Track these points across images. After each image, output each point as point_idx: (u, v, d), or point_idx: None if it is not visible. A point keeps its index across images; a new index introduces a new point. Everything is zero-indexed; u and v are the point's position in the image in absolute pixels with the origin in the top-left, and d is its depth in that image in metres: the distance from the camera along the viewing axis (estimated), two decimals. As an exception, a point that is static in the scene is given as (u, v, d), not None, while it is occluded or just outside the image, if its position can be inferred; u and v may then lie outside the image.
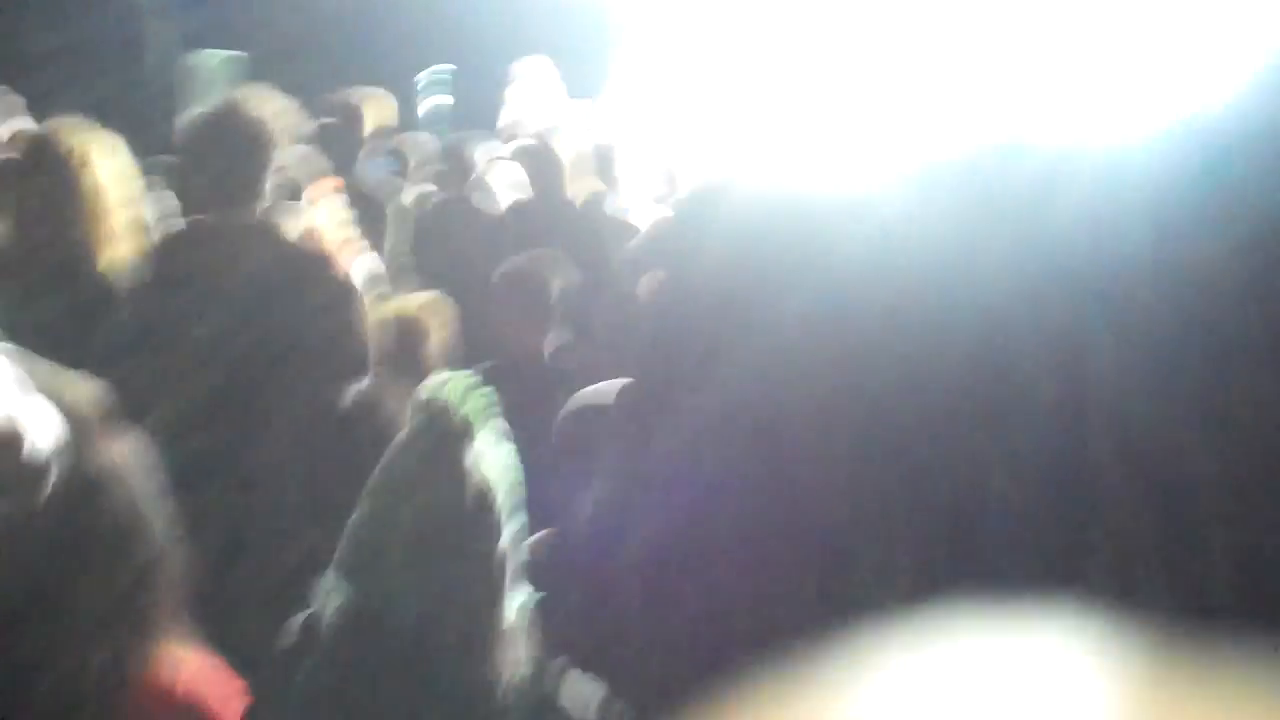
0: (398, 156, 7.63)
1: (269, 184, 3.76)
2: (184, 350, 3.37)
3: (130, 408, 3.04)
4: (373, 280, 5.12)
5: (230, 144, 3.65)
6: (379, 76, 12.81)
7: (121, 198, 3.70)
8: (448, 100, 16.25)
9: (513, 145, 7.01)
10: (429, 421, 3.07)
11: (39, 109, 5.23)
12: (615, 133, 9.13)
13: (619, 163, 7.34)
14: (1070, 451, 0.84)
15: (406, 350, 4.31)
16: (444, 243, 6.44)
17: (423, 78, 16.41)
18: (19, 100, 5.76)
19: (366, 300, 3.96)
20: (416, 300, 4.58)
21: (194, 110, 3.96)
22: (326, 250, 3.84)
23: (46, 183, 3.58)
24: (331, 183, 4.99)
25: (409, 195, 6.97)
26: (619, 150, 7.70)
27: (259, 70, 15.25)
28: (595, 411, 3.48)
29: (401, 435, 3.13)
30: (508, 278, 4.84)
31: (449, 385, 3.18)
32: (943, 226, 0.88)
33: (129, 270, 3.61)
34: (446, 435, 3.06)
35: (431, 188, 7.69)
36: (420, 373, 4.31)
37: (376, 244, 6.00)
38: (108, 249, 3.62)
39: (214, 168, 3.65)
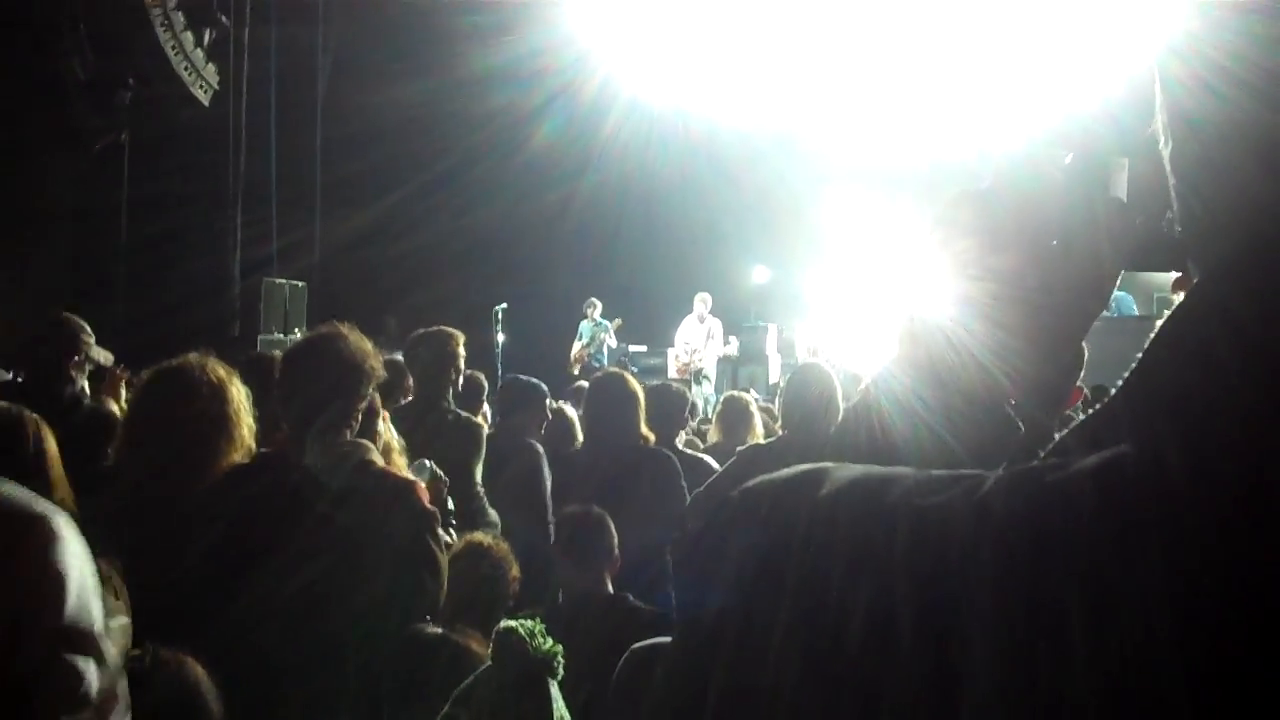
0: (472, 384, 7.76)
1: (359, 415, 3.84)
2: (276, 567, 3.42)
3: (224, 625, 3.11)
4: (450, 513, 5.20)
5: (332, 375, 3.74)
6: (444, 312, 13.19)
7: (248, 417, 3.86)
8: (501, 337, 16.69)
9: (591, 379, 7.10)
10: (510, 658, 3.17)
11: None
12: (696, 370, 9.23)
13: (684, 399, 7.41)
14: None
15: (475, 582, 4.36)
16: (513, 479, 6.57)
17: (498, 310, 16.86)
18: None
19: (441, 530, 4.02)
20: (485, 536, 4.66)
21: (296, 338, 4.07)
22: (415, 482, 3.90)
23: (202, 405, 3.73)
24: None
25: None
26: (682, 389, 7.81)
27: (321, 299, 15.77)
28: (656, 655, 3.52)
29: (485, 666, 3.23)
30: (565, 527, 4.92)
31: (528, 626, 3.28)
32: None
33: (223, 489, 3.70)
34: (525, 673, 3.17)
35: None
36: (491, 606, 4.38)
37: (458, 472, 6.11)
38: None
39: (310, 393, 3.74)
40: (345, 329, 3.91)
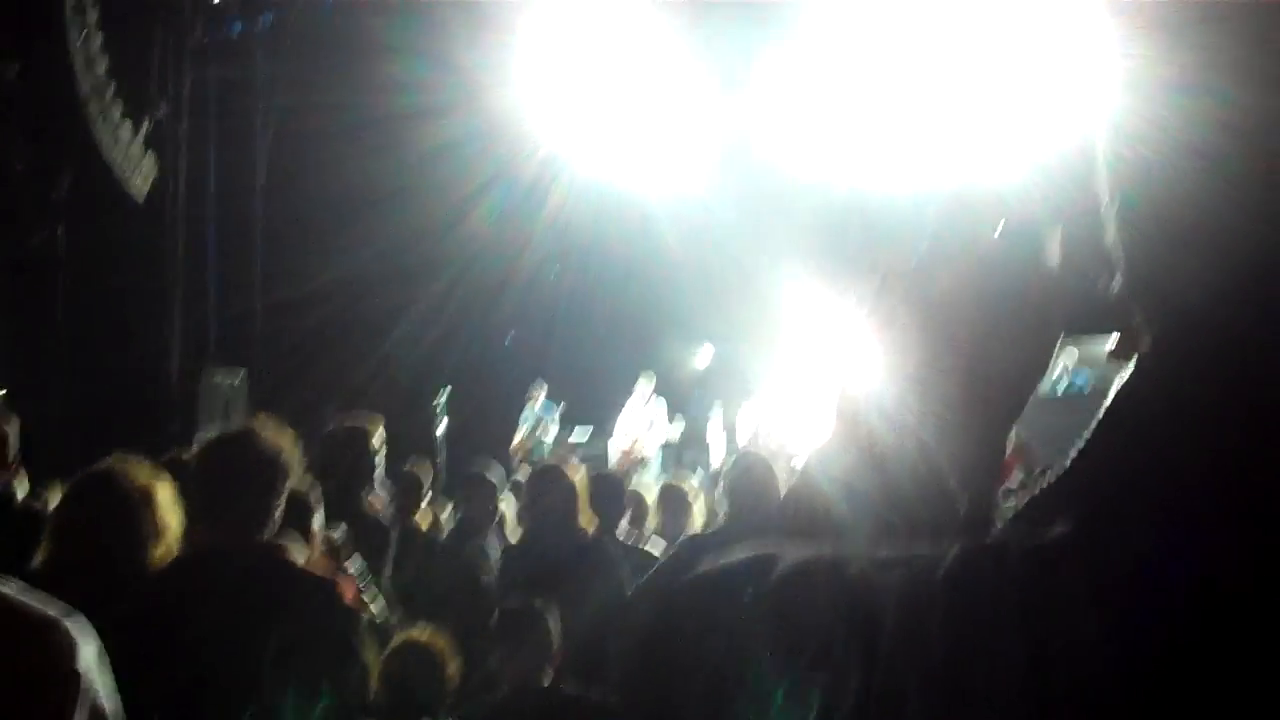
0: (408, 480, 7.73)
1: (277, 512, 3.77)
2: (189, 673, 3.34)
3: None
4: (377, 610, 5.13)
5: (246, 469, 3.68)
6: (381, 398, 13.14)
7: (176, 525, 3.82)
8: (443, 421, 16.64)
9: (527, 470, 7.12)
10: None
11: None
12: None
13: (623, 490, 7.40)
14: None
15: (411, 682, 4.32)
16: (446, 575, 6.54)
17: (441, 396, 16.79)
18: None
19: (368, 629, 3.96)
20: (422, 633, 4.61)
21: (210, 434, 4.01)
22: (333, 578, 3.84)
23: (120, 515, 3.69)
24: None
25: (418, 521, 7.04)
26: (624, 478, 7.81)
27: (262, 388, 15.69)
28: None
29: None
30: (505, 617, 4.90)
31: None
32: None
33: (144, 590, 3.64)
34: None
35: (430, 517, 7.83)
36: (429, 701, 4.33)
37: (379, 569, 6.03)
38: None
39: (227, 493, 3.68)
40: (260, 424, 3.85)
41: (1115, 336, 1.28)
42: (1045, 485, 0.98)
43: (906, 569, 0.94)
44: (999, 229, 1.24)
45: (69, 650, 1.66)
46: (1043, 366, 1.24)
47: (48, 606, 1.72)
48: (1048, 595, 0.86)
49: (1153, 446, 0.89)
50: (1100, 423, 0.94)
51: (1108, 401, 0.96)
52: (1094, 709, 0.81)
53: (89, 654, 1.69)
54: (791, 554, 1.02)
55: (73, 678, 1.64)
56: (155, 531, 3.74)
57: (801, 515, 1.40)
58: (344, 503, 6.04)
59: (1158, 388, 0.93)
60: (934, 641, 0.88)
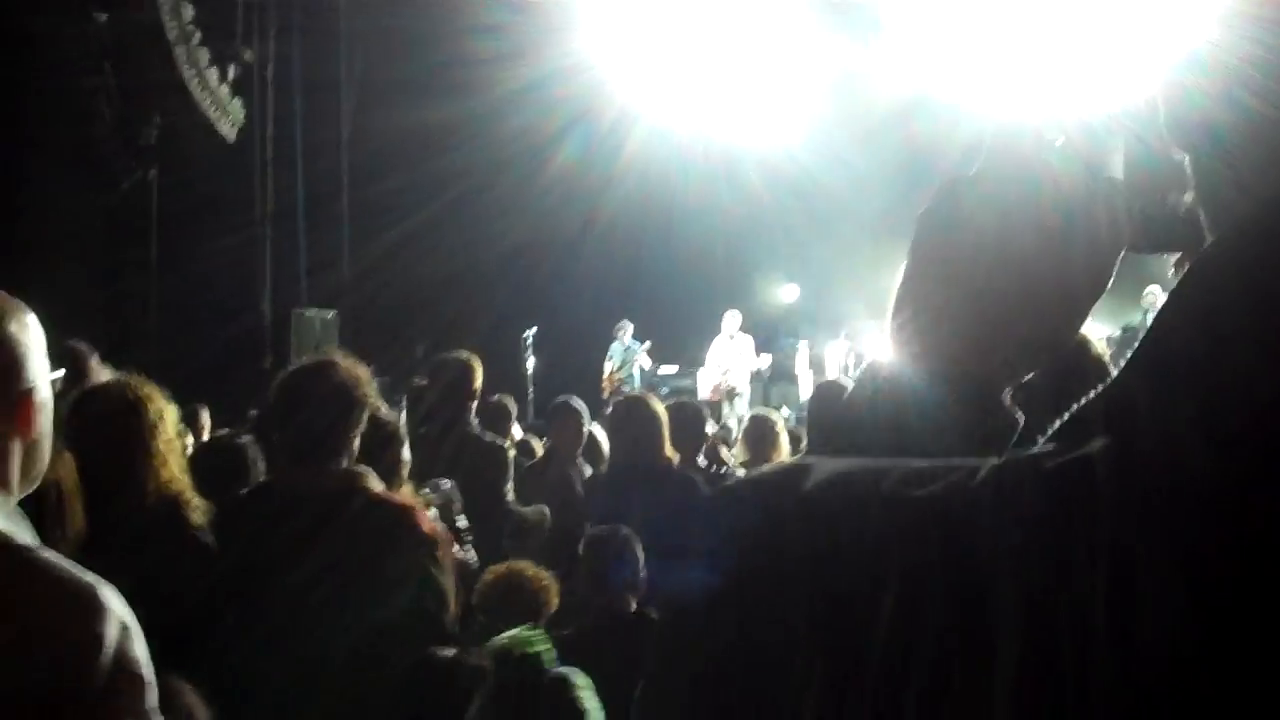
0: (497, 409, 7.88)
1: (354, 440, 3.82)
2: (273, 596, 3.40)
3: (218, 655, 3.08)
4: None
5: (320, 401, 3.73)
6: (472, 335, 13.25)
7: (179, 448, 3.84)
8: (531, 359, 16.77)
9: (616, 403, 7.16)
10: (508, 673, 3.23)
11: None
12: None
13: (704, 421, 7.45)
14: None
15: (509, 613, 4.37)
16: (540, 502, 6.68)
17: (529, 335, 16.90)
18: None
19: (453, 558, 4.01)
20: (523, 565, 4.67)
21: (291, 366, 4.07)
22: (412, 508, 3.88)
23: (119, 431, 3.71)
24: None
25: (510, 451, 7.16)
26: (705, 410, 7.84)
27: (353, 327, 15.88)
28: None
29: (487, 687, 3.27)
30: (593, 543, 4.93)
31: (520, 636, 3.34)
32: None
33: (219, 520, 3.69)
34: (524, 683, 3.21)
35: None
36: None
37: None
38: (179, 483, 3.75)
39: (304, 422, 3.73)
40: (340, 356, 3.90)
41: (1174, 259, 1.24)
42: (1087, 401, 0.97)
43: (944, 481, 0.92)
44: (1060, 140, 1.22)
45: (98, 614, 1.69)
46: (1104, 280, 1.21)
47: (81, 573, 1.75)
48: (1081, 505, 0.84)
49: (1197, 365, 0.87)
50: (1145, 339, 0.92)
51: (1165, 298, 0.93)
52: (1166, 605, 0.80)
53: (119, 618, 1.72)
54: (828, 465, 1.01)
55: (96, 639, 1.67)
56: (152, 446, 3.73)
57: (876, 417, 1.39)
58: (451, 428, 6.23)
59: (1210, 302, 0.90)
60: (972, 555, 0.86)
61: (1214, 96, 0.97)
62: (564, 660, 3.97)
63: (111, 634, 1.70)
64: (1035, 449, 0.93)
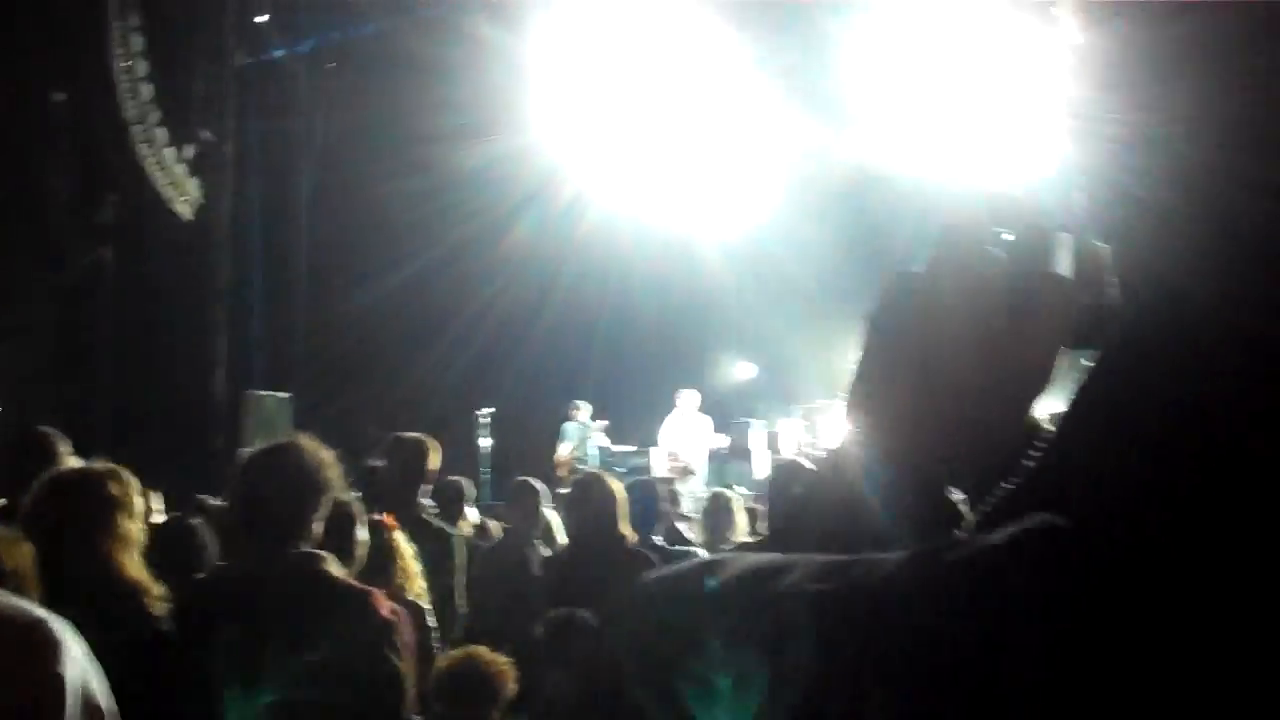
0: (452, 489, 7.86)
1: (317, 524, 3.81)
2: (236, 690, 3.37)
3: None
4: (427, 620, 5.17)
5: (282, 484, 3.72)
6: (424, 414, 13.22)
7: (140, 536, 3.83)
8: (487, 440, 16.74)
9: (571, 479, 7.16)
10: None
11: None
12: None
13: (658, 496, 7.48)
14: None
15: (466, 700, 4.35)
16: (497, 586, 6.65)
17: (484, 415, 16.87)
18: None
19: (412, 643, 3.99)
20: (479, 651, 4.64)
21: (250, 449, 4.07)
22: (368, 589, 3.87)
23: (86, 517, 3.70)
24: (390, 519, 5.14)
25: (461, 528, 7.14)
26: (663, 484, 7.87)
27: (306, 407, 15.83)
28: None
29: None
30: (551, 632, 4.92)
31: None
32: None
33: (177, 605, 3.67)
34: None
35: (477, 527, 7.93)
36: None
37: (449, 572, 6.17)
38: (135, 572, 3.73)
39: (264, 505, 3.72)
40: (303, 439, 3.90)
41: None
42: (1011, 483, 0.98)
43: (850, 570, 0.93)
44: (1008, 236, 1.22)
45: (54, 650, 1.68)
46: (1043, 381, 1.19)
47: (32, 609, 1.74)
48: (990, 598, 0.84)
49: (1121, 434, 0.88)
50: (1066, 413, 0.95)
51: (1075, 388, 0.96)
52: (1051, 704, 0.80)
53: (75, 653, 1.71)
54: (737, 562, 1.02)
55: (56, 679, 1.65)
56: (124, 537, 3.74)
57: (830, 497, 1.40)
58: (404, 510, 6.20)
59: (1130, 369, 0.92)
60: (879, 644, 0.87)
61: (1097, 183, 1.00)
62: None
63: (72, 672, 1.69)
64: (943, 543, 0.93)
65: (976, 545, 0.88)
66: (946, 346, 1.20)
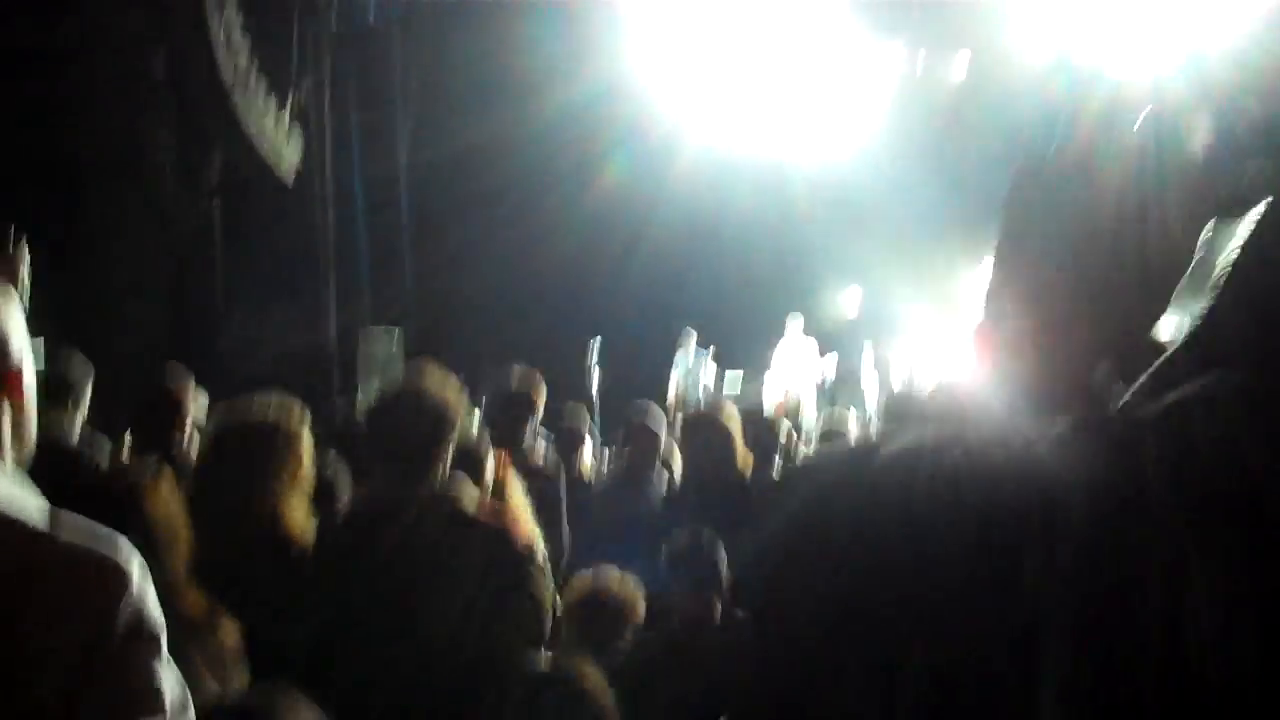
0: (570, 433, 7.82)
1: (446, 462, 3.85)
2: (374, 623, 3.44)
3: (322, 679, 3.12)
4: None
5: (414, 421, 3.76)
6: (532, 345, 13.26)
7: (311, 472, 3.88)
8: (596, 373, 16.79)
9: (686, 417, 7.08)
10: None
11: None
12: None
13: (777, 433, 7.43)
14: None
15: (598, 624, 4.39)
16: (619, 514, 6.63)
17: (594, 349, 16.93)
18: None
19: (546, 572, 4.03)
20: (609, 575, 4.68)
21: (378, 387, 4.13)
22: (506, 523, 3.91)
23: (260, 455, 3.77)
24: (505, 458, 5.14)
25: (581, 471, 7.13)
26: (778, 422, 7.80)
27: (417, 347, 15.97)
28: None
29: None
30: (674, 553, 4.92)
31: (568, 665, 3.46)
32: None
33: (319, 545, 3.73)
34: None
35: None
36: (609, 645, 4.40)
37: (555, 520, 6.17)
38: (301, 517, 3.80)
39: (398, 443, 3.77)
40: (428, 372, 3.93)
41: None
42: (1172, 353, 0.97)
43: (1018, 443, 0.93)
44: (1140, 119, 1.20)
45: (120, 578, 1.71)
46: (1180, 264, 1.20)
47: (94, 534, 1.76)
48: (1185, 451, 0.84)
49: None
50: (1225, 282, 0.94)
51: (1231, 259, 0.95)
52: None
53: (137, 579, 1.73)
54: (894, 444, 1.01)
55: (116, 607, 1.69)
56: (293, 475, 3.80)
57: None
58: (512, 446, 6.17)
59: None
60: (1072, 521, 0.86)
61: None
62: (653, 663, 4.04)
63: (130, 599, 1.71)
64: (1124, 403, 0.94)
65: (1158, 406, 0.88)
66: (1085, 234, 1.19)
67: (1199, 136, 1.19)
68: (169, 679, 1.74)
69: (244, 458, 3.75)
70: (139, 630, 1.72)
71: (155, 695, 1.71)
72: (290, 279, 15.75)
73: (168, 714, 1.71)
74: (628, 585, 4.63)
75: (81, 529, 1.76)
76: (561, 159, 17.31)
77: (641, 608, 4.60)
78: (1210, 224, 1.18)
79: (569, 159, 17.32)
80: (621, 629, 4.54)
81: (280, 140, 15.84)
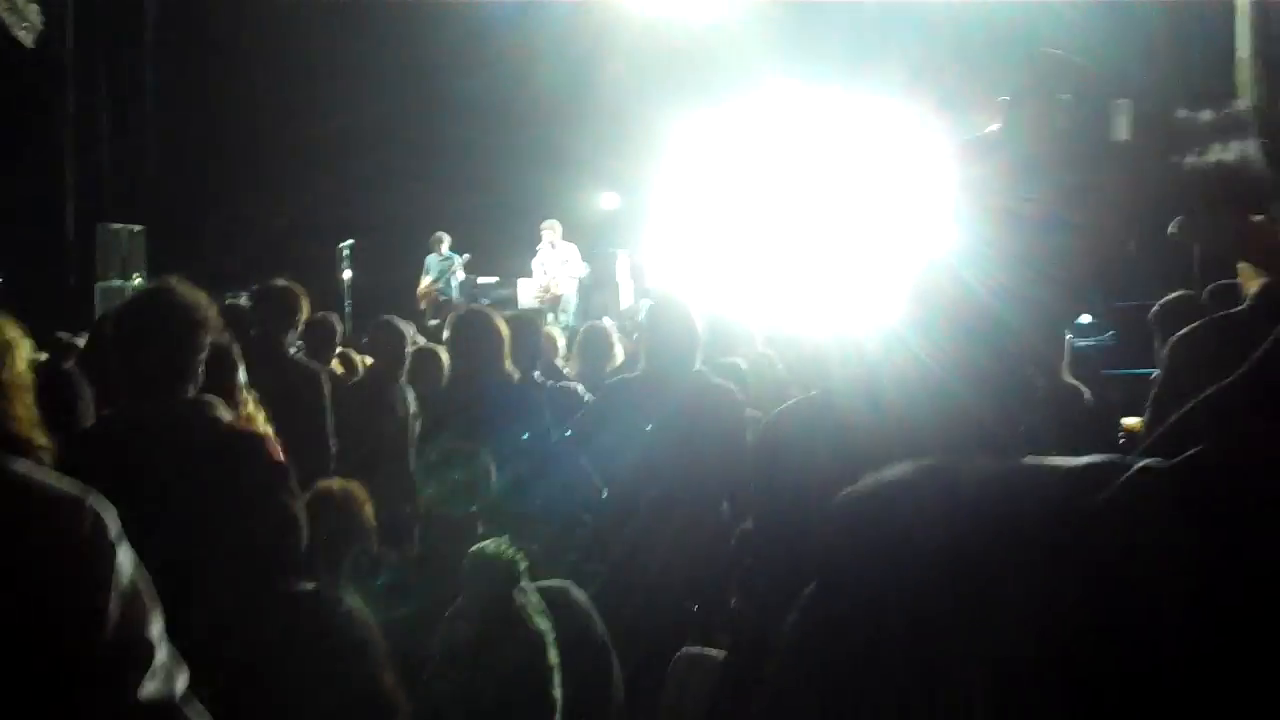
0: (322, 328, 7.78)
1: (199, 368, 3.70)
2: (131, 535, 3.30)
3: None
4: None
5: (162, 329, 3.61)
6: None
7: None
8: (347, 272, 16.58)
9: (453, 316, 7.04)
10: (491, 579, 3.52)
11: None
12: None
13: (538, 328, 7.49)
14: None
15: (338, 528, 4.31)
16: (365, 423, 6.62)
17: (344, 247, 16.65)
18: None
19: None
20: (334, 481, 4.60)
21: (122, 295, 3.93)
22: (263, 435, 3.80)
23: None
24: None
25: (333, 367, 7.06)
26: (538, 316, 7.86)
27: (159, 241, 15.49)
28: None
29: (463, 598, 3.60)
30: (437, 456, 4.89)
31: (496, 547, 3.62)
32: None
33: (65, 458, 3.56)
34: (504, 591, 3.52)
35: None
36: (343, 549, 4.32)
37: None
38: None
39: (146, 354, 3.61)
40: (174, 281, 3.77)
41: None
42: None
43: (1056, 483, 0.91)
44: (1064, 108, 1.20)
45: (101, 524, 1.70)
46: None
47: (72, 485, 1.69)
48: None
49: None
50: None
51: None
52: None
53: (116, 526, 1.73)
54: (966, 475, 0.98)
55: (109, 549, 1.68)
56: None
57: (859, 400, 1.38)
58: (270, 354, 6.09)
59: None
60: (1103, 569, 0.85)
61: None
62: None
63: (112, 537, 1.71)
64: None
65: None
66: (1023, 212, 1.19)
67: (1120, 125, 1.19)
68: None
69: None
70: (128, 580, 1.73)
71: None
72: (29, 161, 15.02)
73: None
74: (354, 492, 4.54)
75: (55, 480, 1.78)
76: (315, 39, 16.91)
77: (367, 510, 4.51)
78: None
79: (321, 39, 16.91)
80: (352, 531, 4.45)
81: (19, 7, 14.94)
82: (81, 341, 7.55)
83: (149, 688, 1.66)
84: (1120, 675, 0.83)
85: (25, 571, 1.61)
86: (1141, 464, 0.88)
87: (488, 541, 3.68)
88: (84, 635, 1.63)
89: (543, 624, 3.60)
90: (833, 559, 1.00)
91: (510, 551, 3.62)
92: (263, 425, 4.28)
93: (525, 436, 5.66)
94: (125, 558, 1.69)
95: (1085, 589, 0.85)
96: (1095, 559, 0.85)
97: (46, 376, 5.13)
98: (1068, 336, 4.27)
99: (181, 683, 1.72)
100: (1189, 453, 0.86)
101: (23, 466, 1.69)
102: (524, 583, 3.64)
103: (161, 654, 1.70)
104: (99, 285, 14.72)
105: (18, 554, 1.63)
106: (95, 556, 1.65)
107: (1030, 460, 0.95)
